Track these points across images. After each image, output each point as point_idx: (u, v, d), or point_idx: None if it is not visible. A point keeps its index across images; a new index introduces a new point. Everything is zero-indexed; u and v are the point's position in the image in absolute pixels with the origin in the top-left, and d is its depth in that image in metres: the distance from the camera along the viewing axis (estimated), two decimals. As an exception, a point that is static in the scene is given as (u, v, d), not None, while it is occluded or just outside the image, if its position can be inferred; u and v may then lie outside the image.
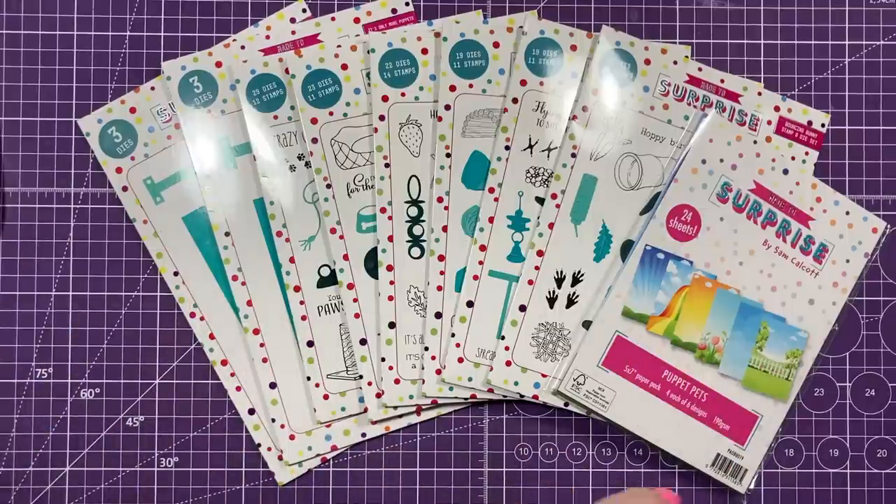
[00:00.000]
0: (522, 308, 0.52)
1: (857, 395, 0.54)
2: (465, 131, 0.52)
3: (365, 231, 0.52)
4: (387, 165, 0.52)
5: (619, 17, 0.54)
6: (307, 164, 0.52)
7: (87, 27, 0.53)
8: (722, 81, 0.53)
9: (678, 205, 0.51)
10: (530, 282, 0.52)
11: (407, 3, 0.53)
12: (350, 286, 0.52)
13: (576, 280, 0.52)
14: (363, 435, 0.52)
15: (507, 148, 0.52)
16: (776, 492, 0.53)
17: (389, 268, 0.52)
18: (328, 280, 0.52)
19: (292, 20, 0.53)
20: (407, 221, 0.52)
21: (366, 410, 0.52)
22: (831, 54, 0.54)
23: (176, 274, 0.52)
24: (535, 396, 0.51)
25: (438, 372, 0.51)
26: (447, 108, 0.52)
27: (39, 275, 0.52)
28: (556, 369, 0.51)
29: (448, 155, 0.52)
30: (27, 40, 0.53)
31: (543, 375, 0.51)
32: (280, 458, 0.52)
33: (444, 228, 0.52)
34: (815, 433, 0.54)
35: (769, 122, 0.53)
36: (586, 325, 0.52)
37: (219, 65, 0.52)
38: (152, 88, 0.53)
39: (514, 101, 0.52)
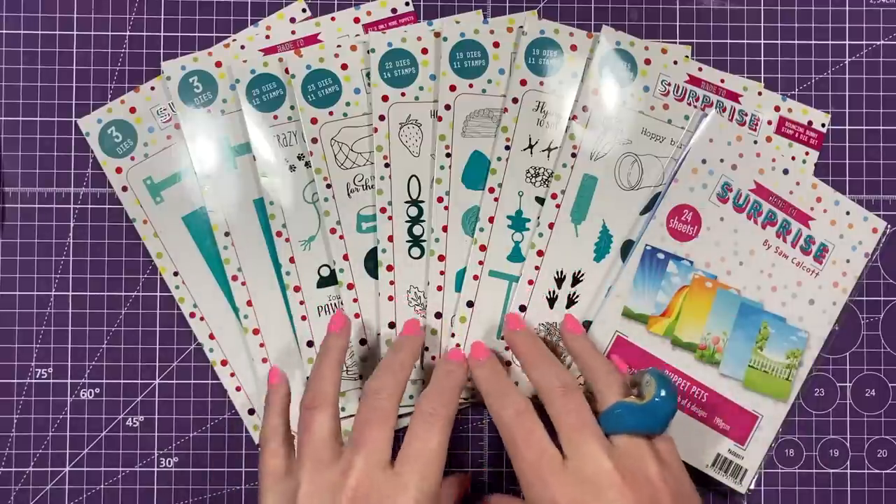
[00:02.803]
0: (523, 308, 0.52)
1: (857, 395, 0.54)
2: (465, 131, 0.52)
3: (365, 231, 0.52)
4: (387, 165, 0.52)
5: (619, 17, 0.54)
6: (307, 164, 0.52)
7: (87, 27, 0.53)
8: (722, 81, 0.53)
9: (678, 205, 0.51)
10: (530, 282, 0.52)
11: (407, 3, 0.53)
12: (350, 286, 0.52)
13: (576, 280, 0.52)
14: (363, 435, 0.52)
15: (507, 148, 0.52)
16: (776, 492, 0.53)
17: (389, 268, 0.52)
18: (328, 280, 0.52)
19: (292, 20, 0.53)
20: (407, 221, 0.52)
21: (366, 410, 0.52)
22: (831, 54, 0.54)
23: (176, 274, 0.52)
24: (536, 397, 0.51)
25: (438, 372, 0.51)
26: (447, 108, 0.52)
27: (39, 275, 0.52)
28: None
29: (448, 155, 0.52)
30: (27, 40, 0.53)
31: (543, 375, 0.51)
32: (280, 458, 0.52)
33: (444, 228, 0.52)
34: (815, 433, 0.54)
35: (769, 122, 0.53)
36: (586, 325, 0.51)
37: (219, 65, 0.52)
38: (152, 88, 0.53)
39: (514, 101, 0.52)
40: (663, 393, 0.42)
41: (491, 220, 0.52)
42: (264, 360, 0.52)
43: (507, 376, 0.46)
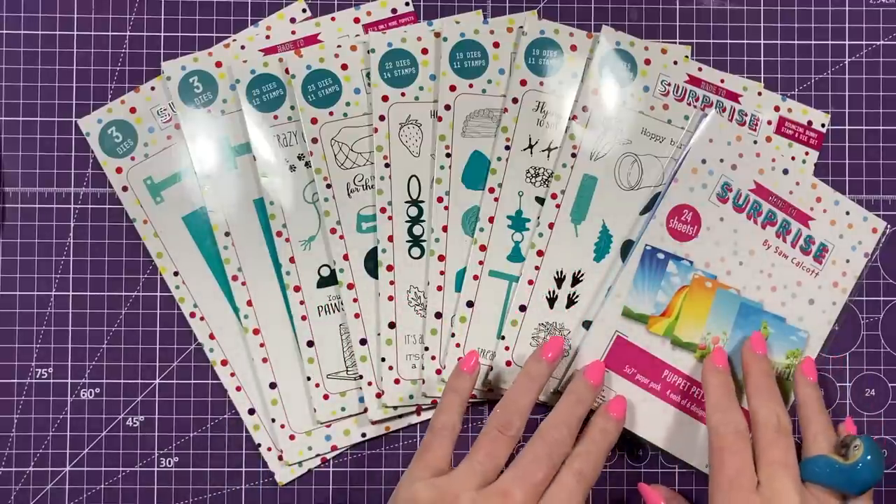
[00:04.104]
0: (522, 308, 0.52)
1: (857, 395, 0.54)
2: (465, 131, 0.52)
3: (365, 231, 0.52)
4: (387, 165, 0.52)
5: (619, 17, 0.54)
6: (307, 164, 0.52)
7: (87, 27, 0.53)
8: (722, 81, 0.53)
9: (678, 205, 0.51)
10: (530, 282, 0.52)
11: (407, 3, 0.53)
12: (350, 286, 0.52)
13: (576, 280, 0.52)
14: (363, 435, 0.52)
15: (507, 148, 0.52)
16: (776, 492, 0.53)
17: (389, 268, 0.52)
18: (328, 280, 0.52)
19: (292, 20, 0.53)
20: (407, 221, 0.52)
21: (366, 410, 0.52)
22: (831, 54, 0.54)
23: (176, 274, 0.52)
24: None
25: (438, 372, 0.51)
26: (447, 108, 0.52)
27: (39, 275, 0.52)
28: (557, 369, 0.51)
29: (448, 155, 0.52)
30: (27, 40, 0.53)
31: (543, 375, 0.51)
32: (280, 458, 0.52)
33: (444, 228, 0.52)
34: (815, 433, 0.54)
35: (769, 122, 0.53)
36: (586, 325, 0.52)
37: (219, 65, 0.52)
38: (152, 88, 0.53)
39: (514, 101, 0.52)
40: (869, 458, 0.44)
41: (491, 220, 0.52)
42: (264, 360, 0.52)
43: (734, 391, 0.48)
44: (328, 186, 0.52)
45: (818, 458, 0.45)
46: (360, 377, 0.52)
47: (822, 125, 0.54)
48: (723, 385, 0.48)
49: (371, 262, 0.52)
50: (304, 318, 0.52)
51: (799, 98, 0.54)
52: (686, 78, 0.53)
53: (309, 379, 0.52)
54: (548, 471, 0.44)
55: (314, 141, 0.52)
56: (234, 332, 0.52)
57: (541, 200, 0.52)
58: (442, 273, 0.52)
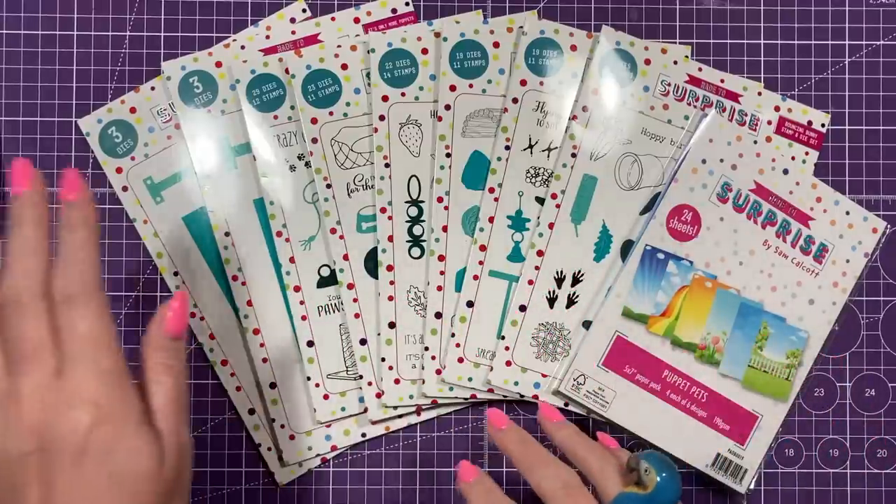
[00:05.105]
0: (522, 308, 0.52)
1: (857, 395, 0.54)
2: (465, 131, 0.52)
3: (365, 231, 0.52)
4: (387, 165, 0.52)
5: (619, 17, 0.54)
6: (307, 164, 0.52)
7: (87, 27, 0.53)
8: (722, 81, 0.53)
9: (678, 205, 0.51)
10: (530, 282, 0.52)
11: (407, 3, 0.53)
12: (350, 286, 0.52)
13: (576, 280, 0.52)
14: (363, 435, 0.52)
15: (507, 148, 0.52)
16: (776, 492, 0.53)
17: (389, 268, 0.52)
18: (328, 280, 0.52)
19: (292, 20, 0.53)
20: (407, 221, 0.52)
21: (366, 410, 0.52)
22: (831, 54, 0.54)
23: (176, 274, 0.52)
24: (535, 396, 0.51)
25: (438, 372, 0.51)
26: (447, 108, 0.52)
27: (39, 275, 0.52)
28: (556, 369, 0.51)
29: (448, 155, 0.52)
30: (27, 40, 0.53)
31: (543, 375, 0.51)
32: (280, 458, 0.52)
33: (444, 228, 0.52)
34: (815, 433, 0.54)
35: (769, 122, 0.53)
36: (586, 325, 0.52)
37: (219, 65, 0.52)
38: (152, 88, 0.53)
39: (514, 101, 0.52)
40: (664, 475, 0.41)
41: (491, 220, 0.52)
42: (264, 360, 0.52)
43: (540, 445, 0.44)
44: (328, 186, 0.52)
45: (619, 499, 0.41)
46: (360, 377, 0.52)
47: (822, 125, 0.54)
48: (520, 445, 0.44)
49: (371, 262, 0.52)
50: (304, 318, 0.52)
51: (799, 98, 0.54)
52: (686, 78, 0.53)
53: (309, 379, 0.52)
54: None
55: (314, 141, 0.52)
56: (234, 332, 0.52)
57: (541, 200, 0.52)
58: (442, 273, 0.52)
